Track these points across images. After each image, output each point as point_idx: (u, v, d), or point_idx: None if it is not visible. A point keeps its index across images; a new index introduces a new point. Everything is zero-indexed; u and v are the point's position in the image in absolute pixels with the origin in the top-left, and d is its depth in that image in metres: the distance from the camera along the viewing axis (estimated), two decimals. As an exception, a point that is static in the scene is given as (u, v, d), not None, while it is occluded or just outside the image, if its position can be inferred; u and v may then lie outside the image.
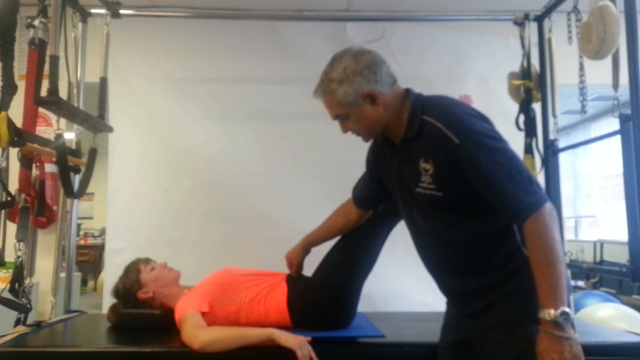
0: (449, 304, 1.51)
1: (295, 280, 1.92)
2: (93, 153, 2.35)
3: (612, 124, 1.94)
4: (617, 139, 1.92)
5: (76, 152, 2.34)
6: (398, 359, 1.71)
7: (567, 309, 1.12)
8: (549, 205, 1.18)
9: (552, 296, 1.13)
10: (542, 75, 2.49)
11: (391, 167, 1.44)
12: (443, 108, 1.30)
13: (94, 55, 2.45)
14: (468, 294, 1.35)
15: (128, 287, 1.91)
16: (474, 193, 1.24)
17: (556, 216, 1.19)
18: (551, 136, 2.48)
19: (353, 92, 1.30)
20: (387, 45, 2.94)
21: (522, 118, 2.49)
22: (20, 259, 2.04)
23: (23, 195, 2.08)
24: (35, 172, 2.13)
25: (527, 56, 2.50)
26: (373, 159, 1.58)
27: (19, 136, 1.74)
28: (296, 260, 1.92)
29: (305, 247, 1.93)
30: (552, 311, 1.12)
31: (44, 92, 1.83)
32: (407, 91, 1.37)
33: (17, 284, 2.02)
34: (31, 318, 2.06)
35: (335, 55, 1.36)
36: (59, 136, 2.03)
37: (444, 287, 1.45)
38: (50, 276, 2.35)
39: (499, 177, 1.19)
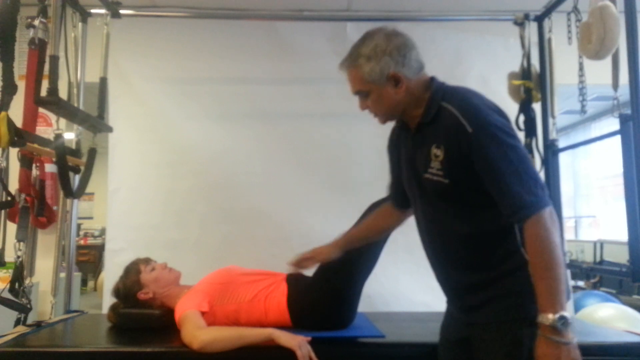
0: (447, 302, 1.50)
1: (295, 280, 1.92)
2: (92, 153, 2.35)
3: (612, 124, 1.93)
4: (617, 139, 1.92)
5: (76, 152, 2.34)
6: (398, 359, 1.71)
7: (565, 314, 1.11)
8: (549, 209, 1.17)
9: (551, 300, 1.13)
10: (542, 75, 2.48)
11: (404, 153, 1.43)
12: (462, 96, 1.30)
13: (94, 55, 2.45)
14: (463, 288, 1.34)
15: (128, 288, 1.91)
16: (479, 185, 1.23)
17: (557, 220, 1.18)
18: (551, 136, 2.48)
19: (379, 70, 1.30)
20: (387, 45, 2.94)
21: (522, 118, 2.49)
22: (20, 259, 2.04)
23: (23, 195, 2.08)
24: (35, 172, 2.13)
25: (527, 56, 2.49)
26: (391, 145, 1.55)
27: (19, 136, 1.74)
28: (322, 257, 1.70)
29: (342, 247, 1.70)
30: (550, 315, 1.11)
31: (44, 92, 1.83)
32: (432, 79, 1.37)
33: (17, 284, 2.02)
34: (31, 318, 2.07)
35: (368, 31, 1.35)
36: (58, 136, 2.03)
37: (440, 278, 1.43)
38: (50, 276, 2.35)
39: (506, 173, 1.18)
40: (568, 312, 1.13)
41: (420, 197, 1.38)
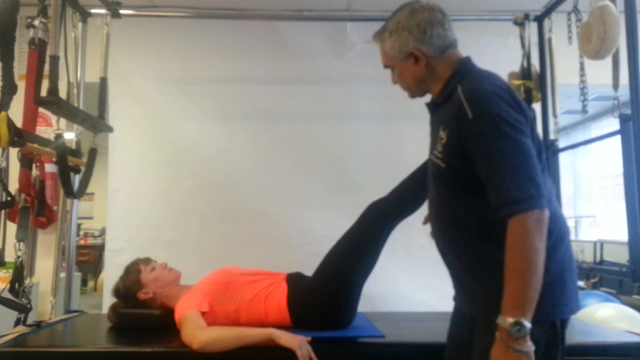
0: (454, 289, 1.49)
1: (295, 280, 1.92)
2: (93, 153, 2.35)
3: (612, 124, 1.93)
4: (617, 139, 1.92)
5: (76, 152, 2.34)
6: (398, 359, 1.71)
7: (523, 321, 1.07)
8: (539, 212, 1.10)
9: (513, 304, 1.09)
10: (542, 75, 2.48)
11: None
12: (475, 80, 1.25)
13: (94, 55, 2.46)
14: (459, 273, 1.33)
15: (128, 288, 1.91)
16: (473, 174, 1.20)
17: (545, 225, 1.11)
18: (551, 136, 2.48)
19: (398, 46, 1.32)
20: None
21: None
22: (20, 259, 2.04)
23: (23, 195, 2.08)
24: (35, 172, 2.13)
25: (527, 56, 2.49)
26: None
27: (19, 136, 1.74)
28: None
29: None
30: (509, 319, 1.08)
31: (44, 92, 1.84)
32: (463, 60, 1.35)
33: (17, 284, 2.03)
34: (31, 318, 2.07)
35: (403, 4, 1.36)
36: (59, 136, 2.03)
37: (444, 259, 1.41)
38: (50, 276, 2.35)
39: (498, 165, 1.14)
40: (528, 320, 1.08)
41: (430, 177, 1.38)
